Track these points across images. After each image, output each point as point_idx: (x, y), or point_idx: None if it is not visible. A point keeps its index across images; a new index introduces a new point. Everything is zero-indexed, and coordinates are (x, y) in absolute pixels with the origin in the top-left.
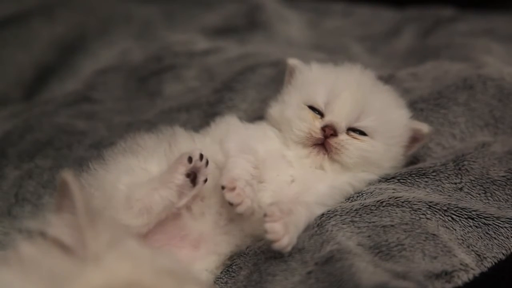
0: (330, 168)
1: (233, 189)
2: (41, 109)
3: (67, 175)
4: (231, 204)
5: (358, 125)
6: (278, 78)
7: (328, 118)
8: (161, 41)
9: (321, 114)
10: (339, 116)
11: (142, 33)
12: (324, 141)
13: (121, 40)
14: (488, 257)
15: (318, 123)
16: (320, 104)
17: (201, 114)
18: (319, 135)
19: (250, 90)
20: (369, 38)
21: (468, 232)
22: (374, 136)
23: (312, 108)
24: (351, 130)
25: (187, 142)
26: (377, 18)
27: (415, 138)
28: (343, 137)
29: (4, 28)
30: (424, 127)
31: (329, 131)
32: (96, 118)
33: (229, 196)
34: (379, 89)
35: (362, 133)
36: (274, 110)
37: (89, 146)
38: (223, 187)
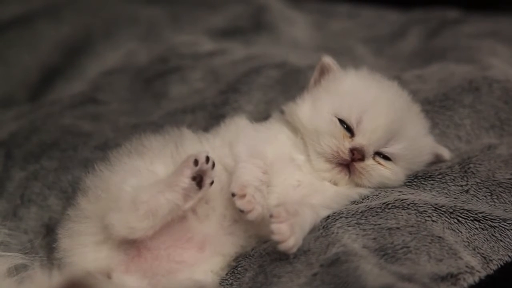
0: (345, 185)
1: (243, 196)
2: (47, 111)
3: None
4: (241, 211)
5: (386, 150)
6: (283, 80)
7: (359, 141)
8: (167, 42)
9: (350, 131)
10: (369, 140)
11: (147, 35)
12: (350, 163)
13: (126, 41)
14: (494, 259)
15: (347, 143)
16: (352, 121)
17: (207, 116)
18: (346, 156)
19: (256, 92)
20: (375, 39)
21: (474, 234)
22: (398, 162)
23: (341, 121)
24: (377, 153)
25: (194, 144)
26: (382, 20)
27: (433, 162)
28: (369, 162)
29: (10, 29)
30: (446, 153)
31: (358, 156)
32: (101, 120)
33: (240, 203)
34: (412, 114)
35: (387, 157)
36: (303, 112)
37: (94, 148)
38: (233, 194)
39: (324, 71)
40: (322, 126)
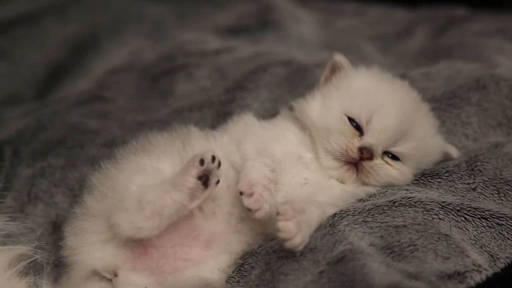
0: (352, 183)
1: (251, 194)
2: (54, 108)
3: None
4: (249, 209)
5: (394, 150)
6: (290, 78)
7: (368, 140)
8: (173, 40)
9: (360, 129)
10: (379, 139)
11: (154, 33)
12: (358, 161)
13: (133, 39)
14: (501, 257)
15: (356, 142)
16: (362, 120)
17: (213, 113)
18: (355, 155)
19: (262, 90)
20: (381, 37)
21: (481, 232)
22: (407, 162)
23: (351, 119)
24: (386, 153)
25: (200, 141)
26: (389, 18)
27: (442, 160)
28: (377, 161)
29: (17, 27)
30: (454, 152)
31: (366, 155)
32: (108, 117)
33: (248, 202)
34: (421, 113)
35: (395, 157)
36: (312, 110)
37: (101, 145)
38: (241, 193)
39: (335, 69)
40: (331, 124)
